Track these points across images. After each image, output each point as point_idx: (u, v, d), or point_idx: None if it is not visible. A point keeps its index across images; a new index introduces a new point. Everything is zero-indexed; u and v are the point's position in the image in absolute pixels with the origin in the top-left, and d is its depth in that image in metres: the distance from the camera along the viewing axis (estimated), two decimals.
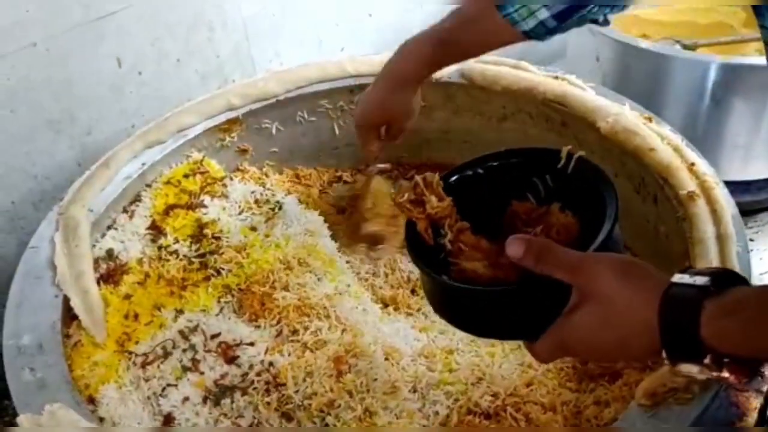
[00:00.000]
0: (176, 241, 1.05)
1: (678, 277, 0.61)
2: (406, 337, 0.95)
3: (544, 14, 0.92)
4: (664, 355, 0.60)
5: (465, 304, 0.75)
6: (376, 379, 0.87)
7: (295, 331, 0.93)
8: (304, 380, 0.87)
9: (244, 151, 1.24)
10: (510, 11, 0.92)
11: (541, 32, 0.94)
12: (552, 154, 0.79)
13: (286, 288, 0.97)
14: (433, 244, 0.77)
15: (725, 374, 0.59)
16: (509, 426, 0.82)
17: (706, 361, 0.59)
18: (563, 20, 0.92)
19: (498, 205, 0.81)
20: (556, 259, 0.66)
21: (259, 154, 1.25)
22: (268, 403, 0.85)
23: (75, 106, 1.17)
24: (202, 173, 1.15)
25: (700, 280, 0.60)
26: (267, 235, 1.07)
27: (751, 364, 0.59)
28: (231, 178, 1.17)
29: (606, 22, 0.97)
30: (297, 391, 0.86)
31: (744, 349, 0.58)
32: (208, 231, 1.06)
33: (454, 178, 0.82)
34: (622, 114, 1.09)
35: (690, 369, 0.60)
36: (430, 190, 0.77)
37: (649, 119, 1.09)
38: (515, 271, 0.72)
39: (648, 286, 0.62)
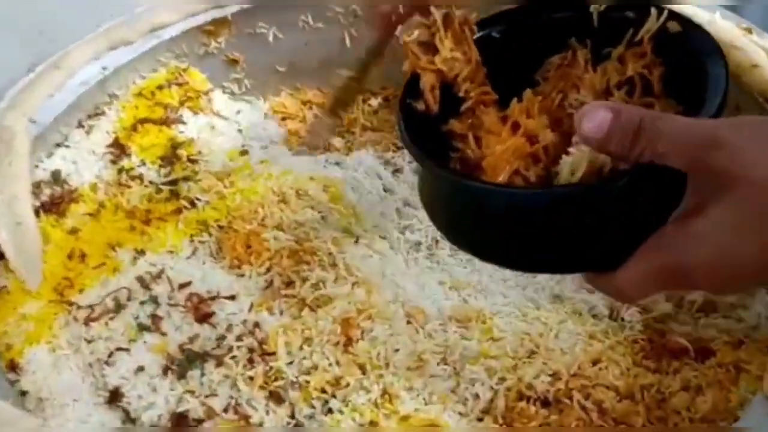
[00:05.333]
0: (142, 163, 0.91)
1: None
2: (434, 295, 0.80)
3: None
4: None
5: (496, 217, 0.53)
6: (397, 350, 0.72)
7: (290, 283, 0.79)
8: (301, 349, 0.72)
9: (234, 62, 1.06)
10: None
11: None
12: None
13: (279, 227, 0.83)
14: (436, 113, 0.59)
15: None
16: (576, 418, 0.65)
17: None
18: None
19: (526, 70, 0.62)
20: (667, 134, 0.46)
21: (252, 66, 1.07)
22: (251, 378, 0.70)
23: None
24: (180, 84, 0.99)
25: None
26: (262, 161, 0.91)
27: None
28: (223, 92, 1.02)
29: None
30: (291, 363, 0.71)
31: None
32: (182, 152, 0.91)
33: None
34: (713, 23, 0.91)
35: None
36: (451, 33, 0.58)
37: (749, 30, 0.91)
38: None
39: None
